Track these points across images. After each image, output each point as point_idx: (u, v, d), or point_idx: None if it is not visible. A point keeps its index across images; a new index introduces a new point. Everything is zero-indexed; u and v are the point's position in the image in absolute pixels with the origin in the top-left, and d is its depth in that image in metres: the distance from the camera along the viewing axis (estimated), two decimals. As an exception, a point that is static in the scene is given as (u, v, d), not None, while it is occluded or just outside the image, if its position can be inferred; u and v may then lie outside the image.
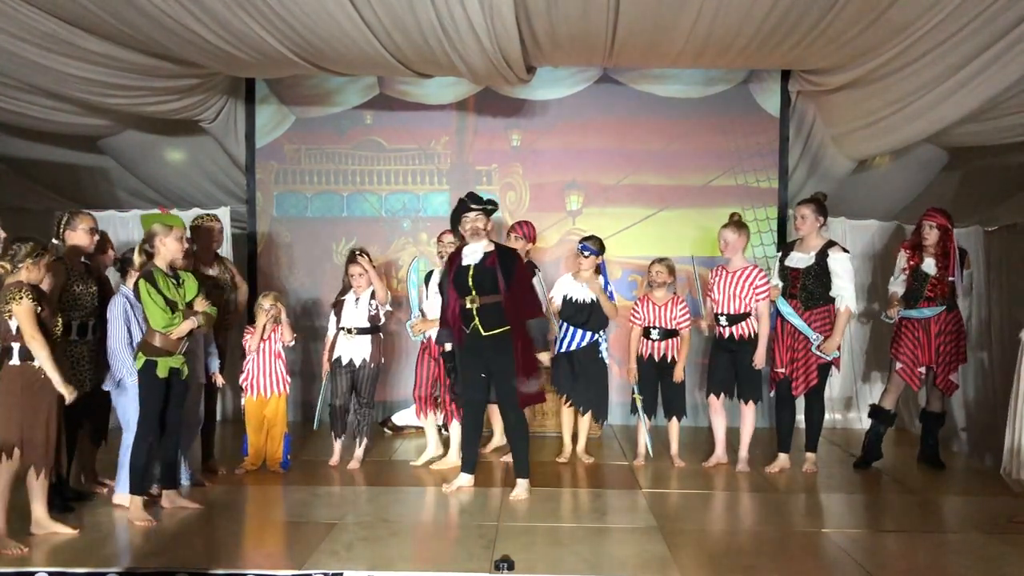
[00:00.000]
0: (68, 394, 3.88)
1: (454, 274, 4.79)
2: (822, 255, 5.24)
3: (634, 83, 7.05)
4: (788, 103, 7.02)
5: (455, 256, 4.88)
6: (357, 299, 5.44)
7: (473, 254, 4.77)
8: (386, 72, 6.16)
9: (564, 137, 7.11)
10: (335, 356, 5.47)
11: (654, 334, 5.47)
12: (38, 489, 3.96)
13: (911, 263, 5.46)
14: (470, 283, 4.71)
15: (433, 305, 5.41)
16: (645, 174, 7.08)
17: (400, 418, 6.72)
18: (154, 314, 4.18)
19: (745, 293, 5.31)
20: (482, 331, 4.69)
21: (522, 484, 4.79)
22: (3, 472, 3.81)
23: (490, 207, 4.81)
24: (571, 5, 4.77)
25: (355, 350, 5.43)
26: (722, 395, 5.46)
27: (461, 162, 7.19)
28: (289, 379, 5.45)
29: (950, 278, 5.36)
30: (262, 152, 7.18)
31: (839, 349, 5.30)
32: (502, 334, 4.68)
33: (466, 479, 4.92)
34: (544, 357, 4.88)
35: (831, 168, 7.03)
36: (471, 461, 4.96)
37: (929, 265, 5.39)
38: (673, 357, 5.48)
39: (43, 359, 3.81)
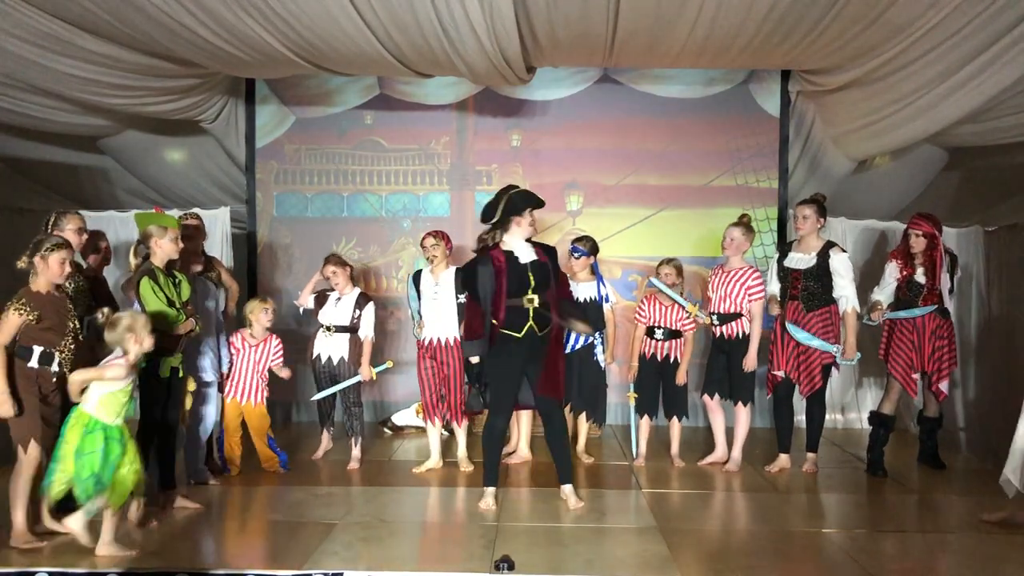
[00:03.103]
0: (3, 410, 3.78)
1: (508, 273, 4.46)
2: (823, 256, 5.23)
3: (634, 83, 7.05)
4: (788, 103, 7.02)
5: (499, 256, 4.50)
6: (339, 298, 5.48)
7: (528, 252, 4.54)
8: (386, 72, 6.16)
9: (564, 137, 7.11)
10: (315, 354, 5.54)
11: (659, 334, 5.46)
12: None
13: (904, 274, 5.42)
14: (531, 282, 4.49)
15: (430, 307, 5.40)
16: (645, 174, 7.08)
17: (400, 418, 6.72)
18: (158, 312, 4.19)
19: (738, 293, 5.31)
20: (538, 331, 4.47)
21: (570, 488, 4.64)
22: (25, 468, 3.83)
23: (540, 207, 4.67)
24: (571, 5, 4.77)
25: (333, 348, 5.48)
26: (716, 395, 5.46)
27: (461, 162, 7.19)
28: (267, 391, 5.38)
29: (939, 287, 5.33)
30: (262, 152, 7.18)
31: (852, 356, 5.26)
32: (549, 331, 4.54)
33: (491, 492, 4.64)
34: (584, 327, 4.68)
35: (831, 168, 7.03)
36: (496, 474, 4.69)
37: (922, 275, 5.36)
38: (676, 358, 5.47)
39: None
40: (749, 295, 5.29)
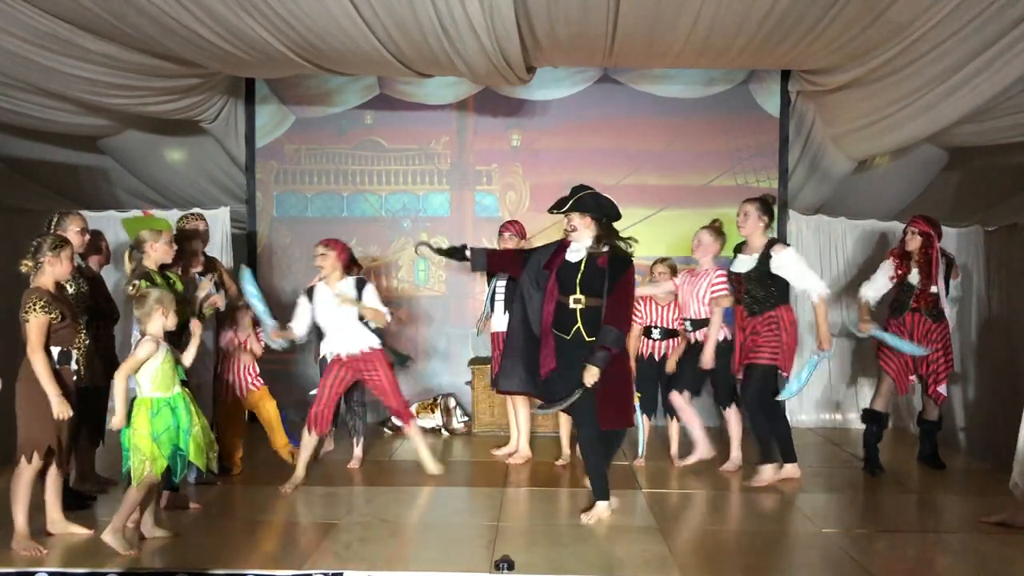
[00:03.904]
0: (61, 412, 3.77)
1: (561, 266, 4.41)
2: (764, 257, 4.95)
3: (634, 83, 7.05)
4: (788, 103, 7.02)
5: (565, 245, 4.49)
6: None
7: (581, 252, 4.41)
8: (386, 72, 6.17)
9: (564, 137, 7.11)
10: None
11: (655, 333, 5.46)
12: (54, 489, 3.97)
13: (899, 272, 5.37)
14: (577, 281, 4.35)
15: (332, 320, 5.06)
16: (645, 174, 7.07)
17: (400, 418, 6.72)
18: None
19: (704, 295, 5.23)
20: (586, 335, 4.28)
21: (600, 506, 4.37)
22: (25, 472, 3.82)
23: (561, 210, 4.42)
24: (571, 5, 4.77)
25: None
26: (685, 391, 5.33)
27: (461, 162, 7.19)
28: (260, 379, 5.27)
29: (932, 288, 5.26)
30: (262, 152, 7.17)
31: (829, 347, 4.99)
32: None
33: (604, 507, 4.40)
34: (590, 377, 4.15)
35: (831, 168, 7.03)
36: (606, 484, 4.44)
37: (916, 276, 5.31)
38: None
39: (41, 373, 3.75)
40: (712, 293, 5.19)
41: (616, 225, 4.58)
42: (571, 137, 7.10)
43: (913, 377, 5.38)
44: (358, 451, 5.51)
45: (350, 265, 5.49)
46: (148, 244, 4.37)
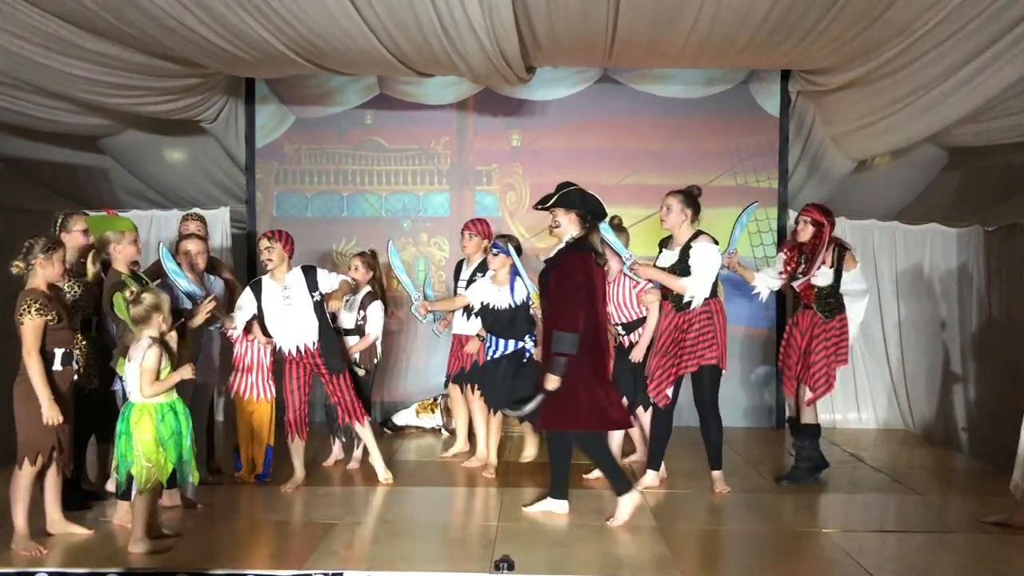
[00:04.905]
0: (51, 416, 3.72)
1: None
2: (685, 250, 4.75)
3: (634, 83, 7.05)
4: (788, 103, 7.02)
5: None
6: (347, 300, 5.38)
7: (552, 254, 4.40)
8: (386, 72, 6.17)
9: (564, 137, 7.11)
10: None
11: (619, 328, 5.10)
12: (54, 490, 3.96)
13: (788, 268, 5.09)
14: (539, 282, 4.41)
15: (283, 315, 4.85)
16: (645, 174, 7.07)
17: (400, 418, 6.73)
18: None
19: (629, 296, 5.00)
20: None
21: (551, 503, 4.44)
22: (24, 474, 3.81)
23: (545, 205, 4.37)
24: (571, 5, 4.77)
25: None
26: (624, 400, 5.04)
27: (461, 162, 7.19)
28: (273, 385, 5.05)
29: (814, 280, 4.93)
30: (262, 152, 7.17)
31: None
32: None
33: (560, 506, 4.46)
34: (551, 383, 4.10)
35: (831, 168, 7.04)
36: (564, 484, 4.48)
37: (829, 277, 4.94)
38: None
39: (35, 376, 3.73)
40: (638, 291, 4.97)
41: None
42: (571, 137, 7.10)
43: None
44: (358, 452, 5.50)
45: (375, 287, 5.45)
46: (113, 246, 4.32)
